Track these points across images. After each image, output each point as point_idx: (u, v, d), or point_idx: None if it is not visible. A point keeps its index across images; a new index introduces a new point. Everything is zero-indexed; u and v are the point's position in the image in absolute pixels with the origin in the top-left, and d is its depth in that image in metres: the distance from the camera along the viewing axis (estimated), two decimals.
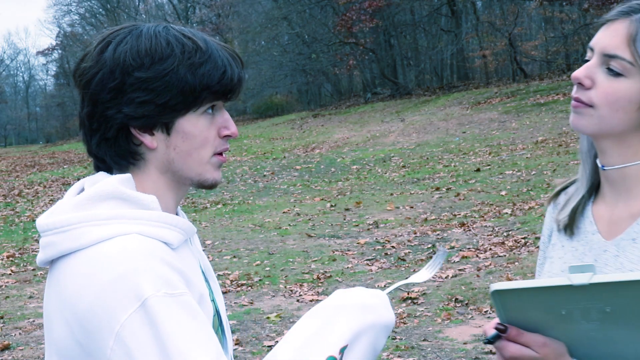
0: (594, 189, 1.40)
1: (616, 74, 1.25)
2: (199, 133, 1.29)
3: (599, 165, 1.34)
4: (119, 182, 1.26)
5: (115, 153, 1.29)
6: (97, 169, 1.34)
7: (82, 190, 1.31)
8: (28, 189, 18.28)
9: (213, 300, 1.33)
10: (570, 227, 1.40)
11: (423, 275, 1.51)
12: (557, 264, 1.42)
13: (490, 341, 1.22)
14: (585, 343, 1.16)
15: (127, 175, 1.28)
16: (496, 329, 1.18)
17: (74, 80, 1.32)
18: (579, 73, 1.29)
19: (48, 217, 1.24)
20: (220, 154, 1.34)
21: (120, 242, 1.18)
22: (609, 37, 1.27)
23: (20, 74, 67.55)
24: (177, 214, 1.40)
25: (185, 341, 1.12)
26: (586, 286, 1.08)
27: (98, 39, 1.30)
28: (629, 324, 1.10)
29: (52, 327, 1.23)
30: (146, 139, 1.28)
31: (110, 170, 1.32)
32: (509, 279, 6.44)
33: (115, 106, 1.26)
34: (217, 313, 1.33)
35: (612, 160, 1.30)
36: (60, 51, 50.61)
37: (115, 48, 1.26)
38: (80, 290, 1.17)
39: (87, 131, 1.31)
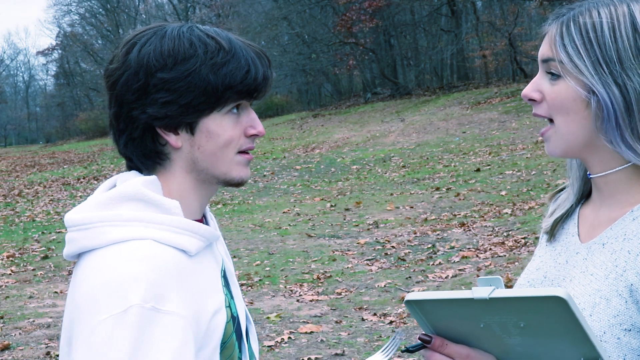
0: (584, 195, 1.40)
1: (556, 77, 1.27)
2: (223, 132, 1.30)
3: (587, 173, 1.35)
4: (143, 184, 1.27)
5: (141, 153, 1.31)
6: (129, 168, 1.36)
7: (114, 186, 1.32)
8: (28, 189, 18.28)
9: (229, 307, 1.32)
10: (551, 233, 1.41)
11: (377, 358, 1.53)
12: (535, 262, 1.43)
13: (409, 350, 1.20)
14: (514, 358, 1.13)
15: (153, 178, 1.29)
16: (420, 339, 1.16)
17: (104, 81, 1.33)
18: (526, 90, 1.31)
19: (74, 213, 1.27)
20: (246, 152, 1.34)
21: (131, 247, 1.19)
22: (544, 44, 1.31)
23: (20, 74, 67.60)
24: (204, 215, 1.40)
25: (149, 358, 1.13)
26: (487, 300, 1.05)
27: (125, 40, 1.31)
28: (546, 339, 1.07)
29: (64, 316, 1.27)
30: (171, 138, 1.29)
31: (140, 170, 1.34)
32: (509, 279, 6.44)
33: (140, 107, 1.27)
34: (232, 319, 1.32)
35: (595, 169, 1.31)
36: (60, 51, 50.57)
37: (140, 49, 1.27)
38: (82, 285, 1.20)
39: (115, 131, 1.33)
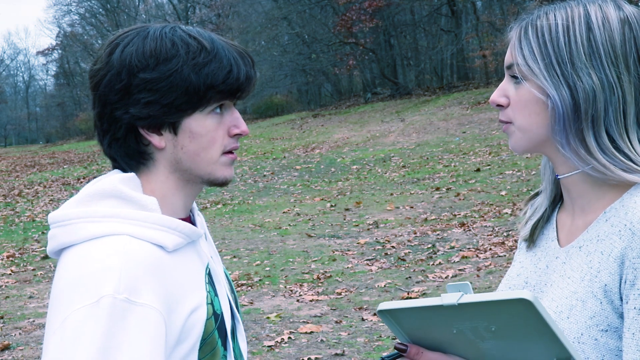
0: (558, 198, 1.41)
1: (520, 81, 1.28)
2: (206, 132, 1.31)
3: (555, 174, 1.35)
4: (119, 181, 1.28)
5: (125, 153, 1.32)
6: (114, 168, 1.37)
7: None
8: (28, 189, 18.28)
9: (211, 304, 1.32)
10: (531, 239, 1.41)
11: None
12: (516, 268, 1.43)
13: None
14: None
15: (131, 175, 1.31)
16: (396, 348, 1.17)
17: (89, 82, 1.34)
18: (493, 96, 1.32)
19: (57, 211, 1.29)
20: (231, 152, 1.36)
21: (107, 242, 1.20)
22: (508, 51, 1.32)
23: (20, 74, 67.59)
24: (191, 213, 1.41)
25: (121, 350, 1.13)
26: (457, 306, 1.06)
27: (108, 41, 1.32)
28: (518, 342, 1.08)
29: None
30: (154, 138, 1.30)
31: (124, 170, 1.35)
32: None
33: (122, 107, 1.28)
34: (214, 317, 1.32)
35: (561, 169, 1.31)
36: (60, 51, 50.59)
37: (123, 50, 1.28)
38: (59, 280, 1.21)
39: (99, 132, 1.34)
